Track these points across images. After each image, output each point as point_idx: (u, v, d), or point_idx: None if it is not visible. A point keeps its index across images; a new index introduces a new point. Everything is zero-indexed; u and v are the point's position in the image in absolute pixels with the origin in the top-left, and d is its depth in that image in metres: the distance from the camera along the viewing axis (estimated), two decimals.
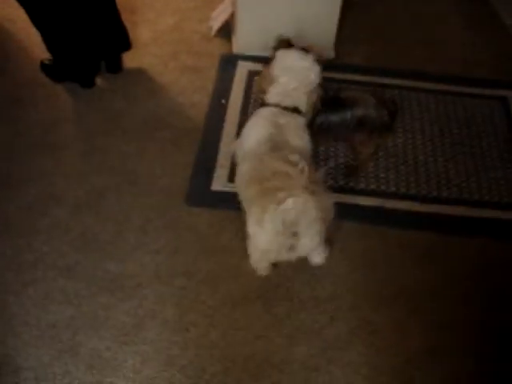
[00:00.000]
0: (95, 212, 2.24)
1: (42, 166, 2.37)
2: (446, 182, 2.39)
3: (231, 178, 2.32)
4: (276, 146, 1.89)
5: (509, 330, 2.00)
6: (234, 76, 2.76)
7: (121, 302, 1.99)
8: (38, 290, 2.01)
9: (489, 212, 2.30)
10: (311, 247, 1.87)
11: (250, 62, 2.82)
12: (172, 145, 2.48)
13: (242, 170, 1.94)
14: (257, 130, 2.02)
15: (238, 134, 2.41)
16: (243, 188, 1.90)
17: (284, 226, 1.70)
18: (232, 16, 2.89)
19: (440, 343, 1.96)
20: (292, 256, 1.85)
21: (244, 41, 2.83)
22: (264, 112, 2.08)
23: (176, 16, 3.10)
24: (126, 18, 2.67)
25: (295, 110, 2.07)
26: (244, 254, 2.08)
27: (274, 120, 2.01)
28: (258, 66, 2.76)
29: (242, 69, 2.80)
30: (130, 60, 2.82)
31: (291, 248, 1.80)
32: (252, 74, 2.76)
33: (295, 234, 1.76)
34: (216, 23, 2.95)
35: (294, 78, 2.07)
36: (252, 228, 1.82)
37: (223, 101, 2.63)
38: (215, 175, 2.36)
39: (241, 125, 2.48)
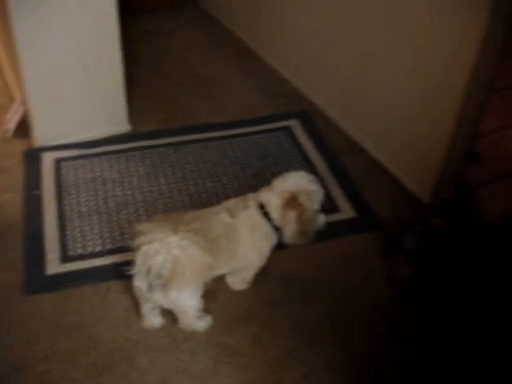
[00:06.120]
0: None
1: None
2: None
3: (63, 259, 2.40)
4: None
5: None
6: (41, 167, 2.84)
7: None
8: None
9: None
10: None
11: (53, 151, 2.92)
12: None
13: None
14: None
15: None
16: None
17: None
18: (25, 114, 3.00)
19: (295, 344, 2.16)
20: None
21: (42, 133, 2.93)
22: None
23: None
24: None
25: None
26: (95, 323, 2.18)
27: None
28: (62, 154, 2.90)
29: (47, 159, 2.88)
30: None
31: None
32: (58, 161, 2.87)
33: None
34: (11, 124, 3.02)
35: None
36: None
37: (37, 192, 2.70)
38: (47, 260, 2.40)
39: (61, 211, 2.60)
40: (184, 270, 1.83)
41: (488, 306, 2.31)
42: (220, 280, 2.30)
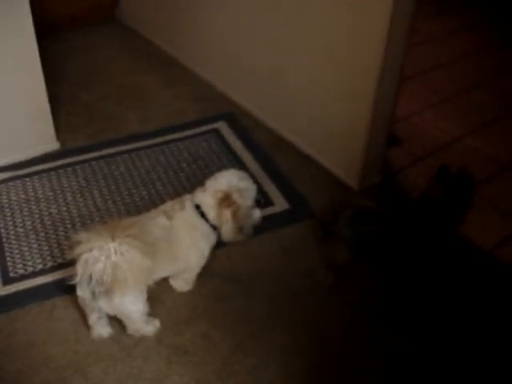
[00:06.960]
0: None
1: None
2: None
3: (5, 281, 2.38)
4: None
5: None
6: None
7: None
8: None
9: None
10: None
11: None
12: None
13: None
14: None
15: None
16: None
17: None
18: None
19: (244, 336, 2.23)
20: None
21: None
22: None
23: None
24: None
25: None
26: (44, 341, 2.18)
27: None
28: None
29: None
30: None
31: None
32: None
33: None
34: None
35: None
36: None
37: None
38: None
39: None
40: (125, 275, 1.87)
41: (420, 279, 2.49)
42: (165, 283, 2.35)
